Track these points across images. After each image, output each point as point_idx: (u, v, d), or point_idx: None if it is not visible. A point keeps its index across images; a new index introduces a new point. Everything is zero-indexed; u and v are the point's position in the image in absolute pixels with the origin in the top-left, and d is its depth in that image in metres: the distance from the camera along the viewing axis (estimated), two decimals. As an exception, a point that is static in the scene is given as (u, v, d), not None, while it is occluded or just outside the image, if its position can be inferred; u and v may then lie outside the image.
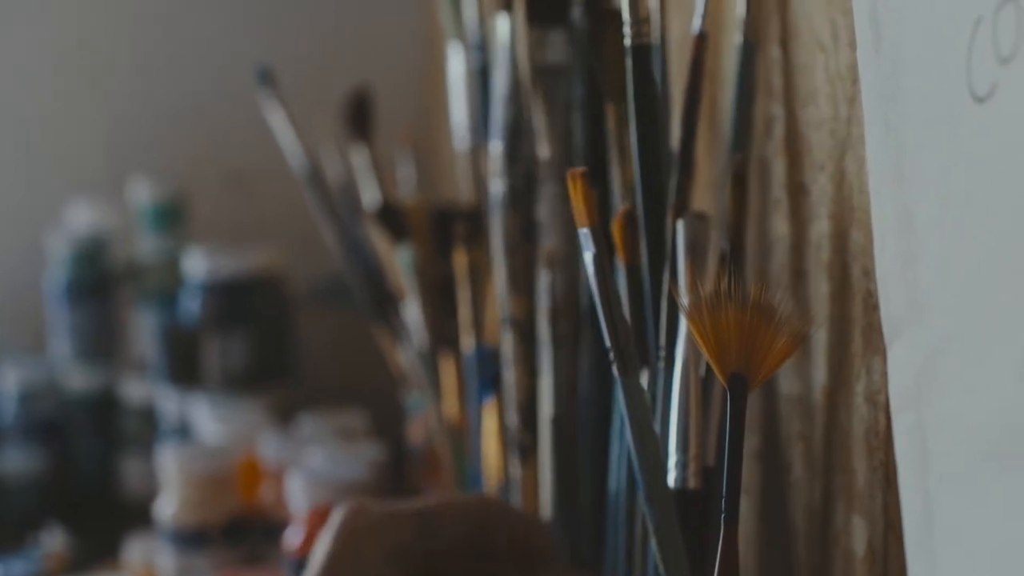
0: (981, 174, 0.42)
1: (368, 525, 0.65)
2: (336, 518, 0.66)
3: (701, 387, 0.60)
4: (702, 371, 0.60)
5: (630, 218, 0.63)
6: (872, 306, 0.58)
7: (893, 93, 0.46)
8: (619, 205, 0.66)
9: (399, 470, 1.14)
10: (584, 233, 0.58)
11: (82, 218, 1.50)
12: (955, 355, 0.43)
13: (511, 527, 0.65)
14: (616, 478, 0.64)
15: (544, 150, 0.75)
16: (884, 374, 0.57)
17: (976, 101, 0.42)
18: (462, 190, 0.99)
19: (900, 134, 0.46)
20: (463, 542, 0.65)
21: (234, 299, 1.36)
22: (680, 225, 0.60)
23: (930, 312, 0.44)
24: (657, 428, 0.60)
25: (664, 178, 0.64)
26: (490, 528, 0.65)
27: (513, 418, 0.78)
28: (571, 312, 0.70)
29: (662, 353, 0.62)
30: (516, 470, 0.77)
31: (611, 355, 0.57)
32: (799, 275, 0.65)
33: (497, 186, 0.80)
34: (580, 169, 0.58)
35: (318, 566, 0.64)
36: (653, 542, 0.57)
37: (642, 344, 0.62)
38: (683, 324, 0.60)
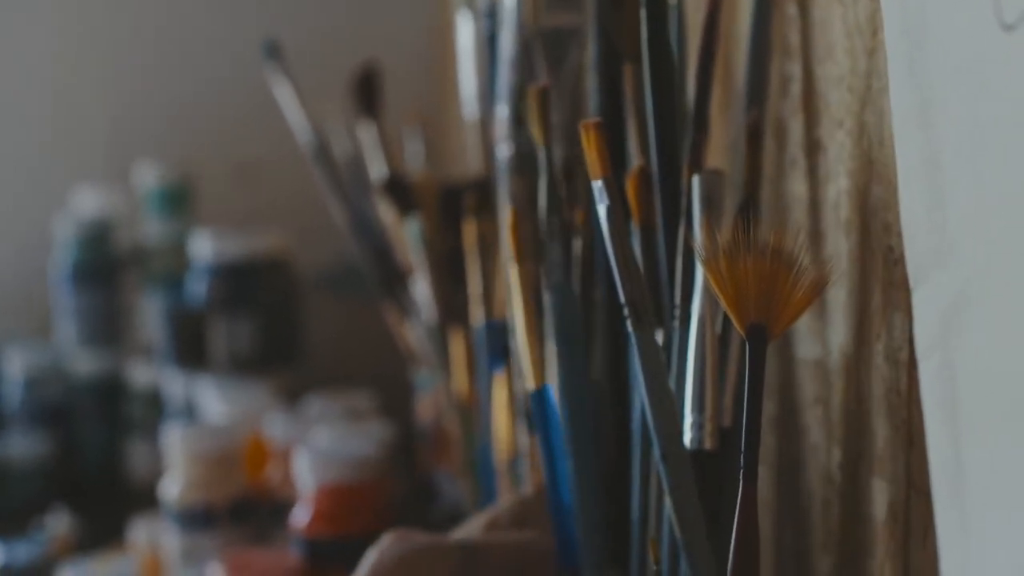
0: (1010, 105, 0.40)
1: (410, 556, 0.64)
2: (379, 546, 0.66)
3: (718, 345, 0.58)
4: (718, 329, 0.59)
5: (643, 175, 0.61)
6: (893, 261, 0.57)
7: (918, 30, 0.45)
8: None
9: (408, 449, 1.13)
10: (598, 186, 0.56)
11: (88, 202, 1.49)
12: (984, 295, 0.42)
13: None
14: (632, 438, 0.63)
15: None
16: (905, 331, 0.56)
17: (1005, 30, 0.40)
18: (471, 162, 0.98)
19: (925, 72, 0.45)
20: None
21: (240, 282, 1.34)
22: (696, 180, 0.59)
23: (957, 252, 0.43)
24: (673, 388, 0.59)
25: (679, 135, 0.63)
26: (534, 570, 0.65)
27: (522, 388, 0.76)
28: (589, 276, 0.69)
29: (677, 312, 0.60)
30: (524, 440, 0.76)
31: (625, 310, 0.56)
32: (817, 235, 0.64)
33: (504, 151, 0.78)
34: (595, 120, 0.56)
35: None
36: (668, 502, 0.56)
37: (657, 303, 0.61)
38: (699, 281, 0.59)
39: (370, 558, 0.66)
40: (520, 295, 0.65)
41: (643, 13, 0.62)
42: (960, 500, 0.42)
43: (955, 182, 0.44)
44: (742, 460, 0.50)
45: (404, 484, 1.05)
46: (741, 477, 0.50)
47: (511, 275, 0.66)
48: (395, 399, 1.23)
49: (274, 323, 1.36)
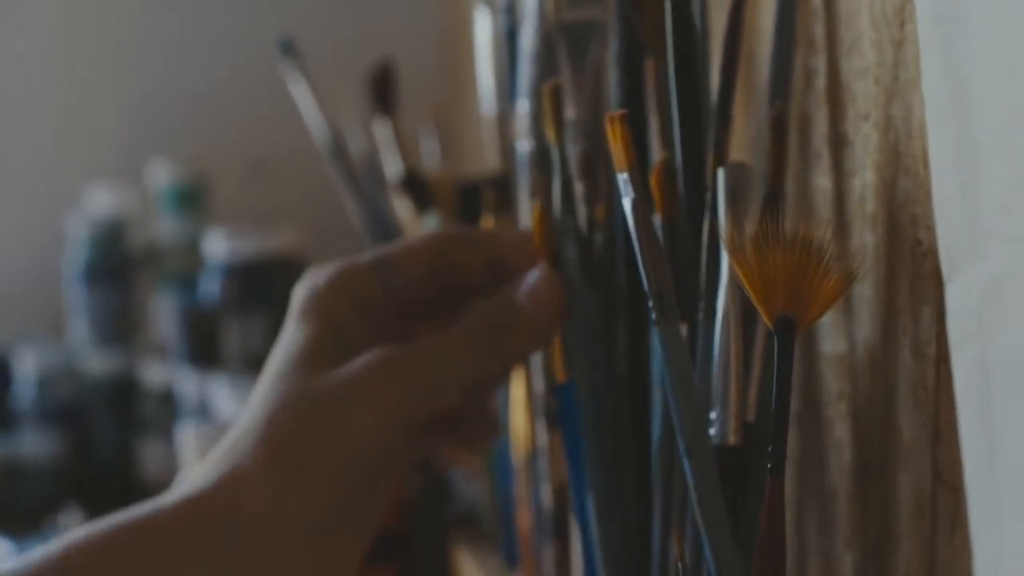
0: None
1: (327, 283, 0.64)
2: (297, 289, 0.66)
3: (742, 339, 0.58)
4: (742, 322, 0.58)
5: (667, 168, 0.61)
6: (921, 255, 0.56)
7: (952, 15, 0.45)
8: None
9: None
10: (623, 178, 0.56)
11: (101, 201, 1.49)
12: (1020, 284, 0.41)
13: (481, 248, 0.64)
14: (652, 433, 0.62)
15: (569, 110, 0.73)
16: (933, 325, 0.55)
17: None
18: (487, 160, 0.97)
19: (960, 55, 0.44)
20: (427, 276, 0.64)
21: (254, 281, 1.34)
22: (721, 172, 0.58)
23: (993, 239, 0.42)
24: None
25: (703, 129, 0.62)
26: (455, 255, 0.64)
27: (540, 384, 0.76)
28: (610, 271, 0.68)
29: (701, 305, 0.60)
30: (543, 437, 0.75)
31: (650, 303, 0.55)
32: (842, 229, 0.64)
33: (524, 147, 0.78)
34: (620, 112, 0.56)
35: (286, 332, 0.63)
36: (692, 498, 0.55)
37: (681, 299, 0.60)
38: (724, 274, 0.58)
39: (299, 293, 0.65)
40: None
41: (667, 4, 0.61)
42: (994, 493, 0.42)
43: (990, 164, 0.43)
44: (770, 452, 0.50)
45: (418, 482, 1.05)
46: (769, 469, 0.50)
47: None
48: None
49: (288, 322, 1.35)
